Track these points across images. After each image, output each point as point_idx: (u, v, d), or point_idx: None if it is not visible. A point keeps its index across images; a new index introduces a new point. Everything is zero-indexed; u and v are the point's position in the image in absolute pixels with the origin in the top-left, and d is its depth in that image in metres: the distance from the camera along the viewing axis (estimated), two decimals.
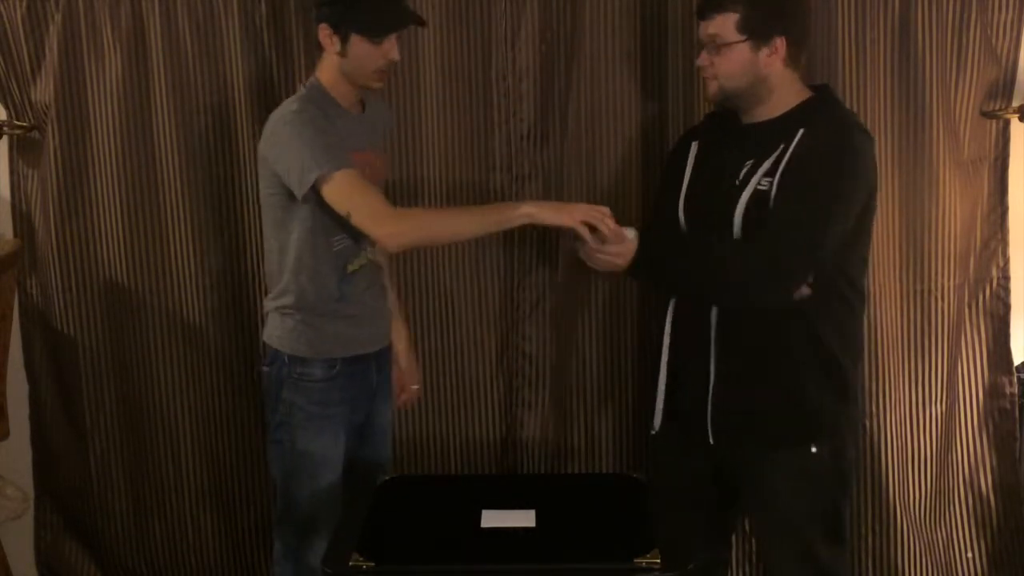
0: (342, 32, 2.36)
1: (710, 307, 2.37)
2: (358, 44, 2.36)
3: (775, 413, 2.39)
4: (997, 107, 2.84)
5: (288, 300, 2.45)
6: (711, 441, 2.42)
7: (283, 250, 2.43)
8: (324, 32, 2.37)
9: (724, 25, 2.32)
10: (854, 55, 2.76)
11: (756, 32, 2.31)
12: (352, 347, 2.50)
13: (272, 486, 2.94)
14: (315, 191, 2.30)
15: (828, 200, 2.27)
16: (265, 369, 2.54)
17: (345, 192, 2.30)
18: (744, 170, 2.36)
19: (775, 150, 2.32)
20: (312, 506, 2.49)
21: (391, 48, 2.39)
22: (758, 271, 2.30)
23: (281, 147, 2.34)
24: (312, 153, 2.28)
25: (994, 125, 2.87)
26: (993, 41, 2.79)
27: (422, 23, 2.49)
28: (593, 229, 2.32)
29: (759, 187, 2.30)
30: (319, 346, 2.45)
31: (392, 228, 2.33)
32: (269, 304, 2.51)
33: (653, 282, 2.39)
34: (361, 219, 2.31)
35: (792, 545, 2.47)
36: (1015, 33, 2.79)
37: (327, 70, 2.42)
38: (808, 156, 2.28)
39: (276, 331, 2.48)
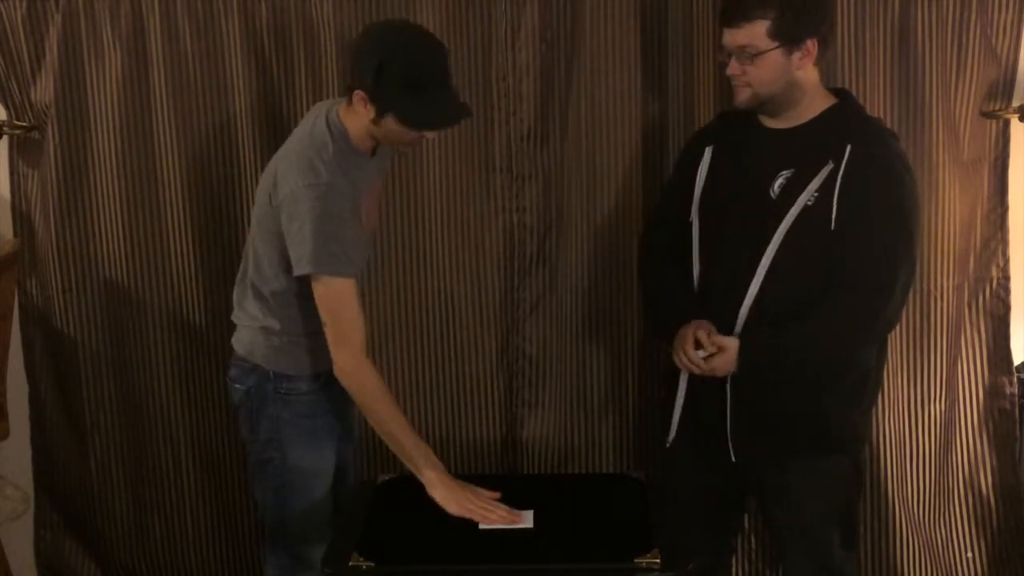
0: (379, 107, 2.24)
1: (734, 322, 2.36)
2: (392, 123, 2.26)
3: (800, 428, 2.40)
4: (997, 107, 2.84)
5: (274, 324, 2.42)
6: (732, 459, 2.43)
7: (279, 275, 2.38)
8: (360, 98, 2.24)
9: (755, 33, 2.27)
10: (854, 55, 2.75)
11: (788, 37, 2.27)
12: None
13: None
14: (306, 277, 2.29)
15: (909, 242, 2.33)
16: (239, 386, 2.48)
17: (333, 302, 2.30)
18: (779, 181, 2.34)
19: (822, 165, 2.29)
20: (308, 520, 2.48)
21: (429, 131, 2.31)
22: (869, 330, 2.36)
23: (297, 219, 2.26)
24: (316, 247, 2.24)
25: (994, 125, 2.86)
26: (993, 41, 2.79)
27: (468, 115, 2.35)
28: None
29: (807, 203, 2.29)
30: (305, 364, 2.44)
31: (346, 365, 2.33)
32: (248, 320, 2.47)
33: (768, 373, 2.38)
34: (332, 335, 2.31)
35: (809, 545, 2.49)
36: (1015, 33, 2.79)
37: (353, 120, 2.31)
38: (876, 189, 2.28)
39: (260, 349, 2.45)
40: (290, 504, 2.48)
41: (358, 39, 2.34)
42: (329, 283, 2.29)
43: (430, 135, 2.33)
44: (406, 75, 2.21)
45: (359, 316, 2.34)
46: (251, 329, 2.47)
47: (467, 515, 2.33)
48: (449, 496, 2.35)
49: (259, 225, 2.40)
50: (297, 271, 2.29)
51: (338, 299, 2.30)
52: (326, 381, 2.44)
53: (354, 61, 2.29)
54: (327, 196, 2.25)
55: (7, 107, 2.95)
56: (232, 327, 3.05)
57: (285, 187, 2.29)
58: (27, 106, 2.95)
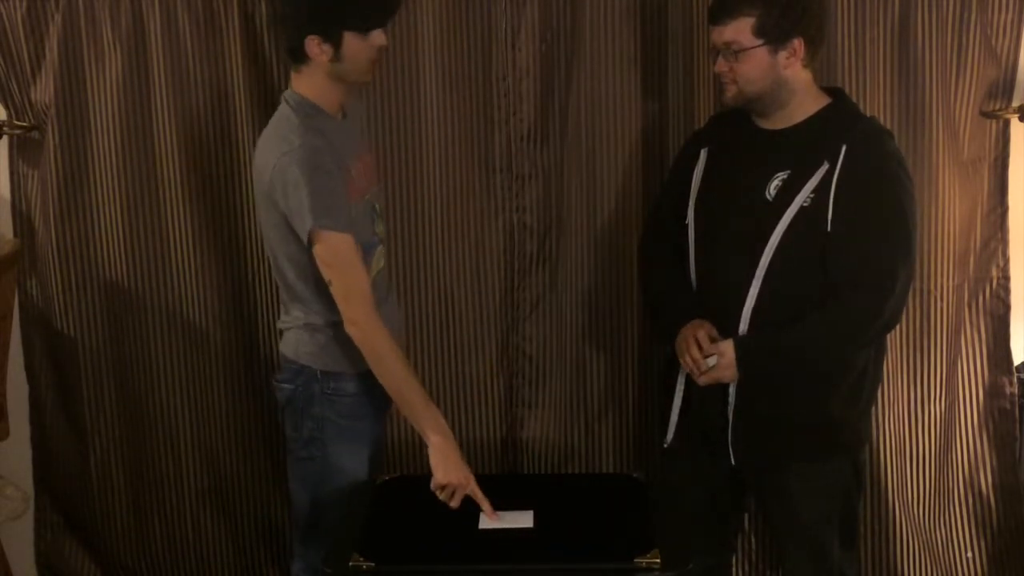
0: (333, 36, 2.31)
1: (736, 326, 2.35)
2: (351, 41, 2.31)
3: (801, 430, 2.40)
4: (997, 107, 2.84)
5: (317, 319, 2.42)
6: (732, 462, 2.43)
7: (305, 269, 2.38)
8: (314, 43, 2.31)
9: (740, 30, 2.30)
10: (854, 55, 2.75)
11: (773, 35, 2.29)
12: None
13: (282, 497, 2.94)
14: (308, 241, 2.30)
15: (907, 241, 2.33)
16: (287, 386, 2.49)
17: (335, 259, 2.30)
18: (775, 182, 2.34)
19: (817, 166, 2.30)
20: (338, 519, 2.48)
21: (378, 36, 2.35)
22: (868, 330, 2.34)
23: (288, 187, 2.28)
24: (311, 204, 2.26)
25: (994, 125, 2.87)
26: (993, 41, 2.79)
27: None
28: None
29: (804, 205, 2.30)
30: (351, 360, 2.41)
31: (355, 316, 2.32)
32: (292, 321, 2.47)
33: (770, 370, 2.38)
34: (338, 290, 2.32)
35: (809, 546, 2.49)
36: (1015, 33, 2.79)
37: (309, 82, 2.37)
38: (873, 189, 2.28)
39: (306, 347, 2.45)
40: (325, 502, 2.50)
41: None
42: (327, 238, 2.28)
43: (382, 41, 2.35)
44: None
45: (364, 272, 2.34)
46: (295, 329, 2.47)
47: (445, 489, 2.33)
48: (441, 465, 2.34)
49: (266, 225, 2.42)
50: (303, 235, 2.29)
51: (338, 254, 2.30)
52: (371, 384, 2.42)
53: (288, 20, 2.38)
54: (307, 156, 2.28)
55: (7, 107, 2.95)
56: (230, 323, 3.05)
57: (266, 169, 2.32)
58: (27, 106, 2.95)
